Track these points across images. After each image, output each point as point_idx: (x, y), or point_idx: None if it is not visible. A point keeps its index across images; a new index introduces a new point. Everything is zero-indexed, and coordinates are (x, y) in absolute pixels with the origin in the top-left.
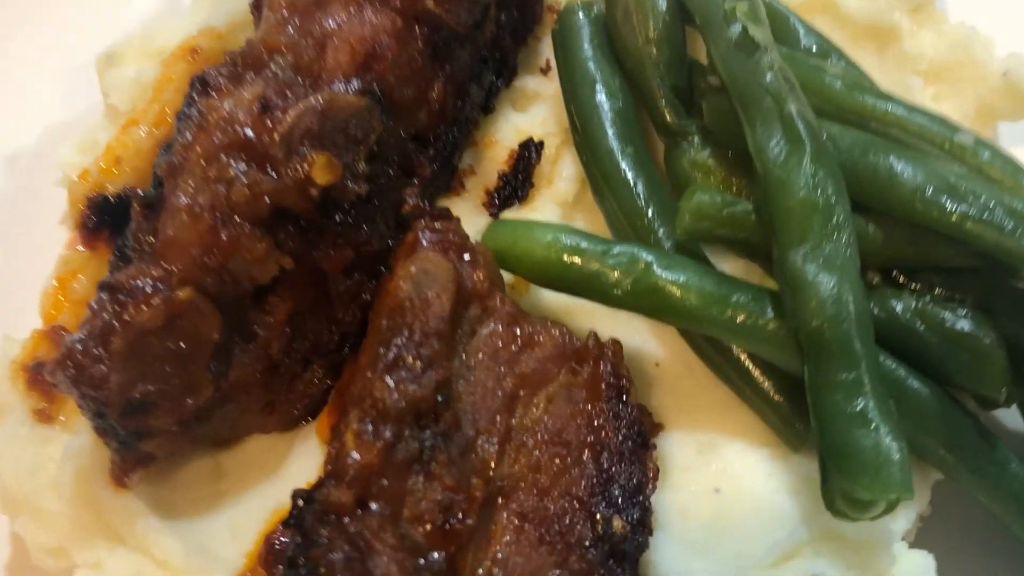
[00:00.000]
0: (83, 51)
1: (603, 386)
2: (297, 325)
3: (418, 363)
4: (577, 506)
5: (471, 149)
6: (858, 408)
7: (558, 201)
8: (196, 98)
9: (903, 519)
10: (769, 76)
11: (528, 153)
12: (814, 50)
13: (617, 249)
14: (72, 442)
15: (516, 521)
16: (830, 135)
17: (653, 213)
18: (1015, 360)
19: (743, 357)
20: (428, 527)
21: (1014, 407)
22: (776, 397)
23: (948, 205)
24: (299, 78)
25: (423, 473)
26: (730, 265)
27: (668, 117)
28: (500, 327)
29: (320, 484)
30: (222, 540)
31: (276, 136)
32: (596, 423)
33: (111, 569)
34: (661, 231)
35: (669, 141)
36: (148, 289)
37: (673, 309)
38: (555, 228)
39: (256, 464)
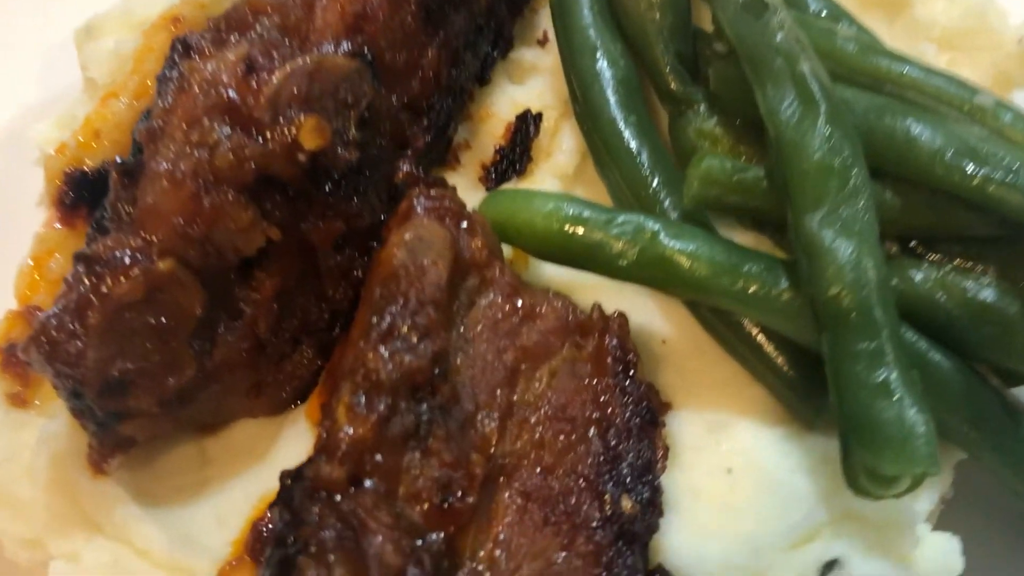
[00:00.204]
0: (61, 29)
1: (609, 360)
2: (285, 302)
3: (413, 333)
4: (583, 485)
5: (467, 123)
6: (880, 379)
7: (558, 174)
8: (177, 60)
9: (926, 499)
10: (780, 36)
11: (526, 126)
12: (824, 15)
13: (622, 218)
14: (48, 426)
15: (519, 500)
16: (844, 99)
17: (658, 183)
18: None
19: (755, 331)
20: (426, 506)
21: None
22: (790, 372)
23: (969, 168)
24: (286, 39)
25: (420, 449)
26: (739, 238)
27: (673, 85)
28: (500, 298)
29: (310, 461)
30: (207, 528)
31: (262, 98)
32: (602, 399)
33: (88, 560)
34: (667, 201)
35: (674, 110)
36: (127, 260)
37: (681, 280)
38: (556, 197)
39: (243, 450)
